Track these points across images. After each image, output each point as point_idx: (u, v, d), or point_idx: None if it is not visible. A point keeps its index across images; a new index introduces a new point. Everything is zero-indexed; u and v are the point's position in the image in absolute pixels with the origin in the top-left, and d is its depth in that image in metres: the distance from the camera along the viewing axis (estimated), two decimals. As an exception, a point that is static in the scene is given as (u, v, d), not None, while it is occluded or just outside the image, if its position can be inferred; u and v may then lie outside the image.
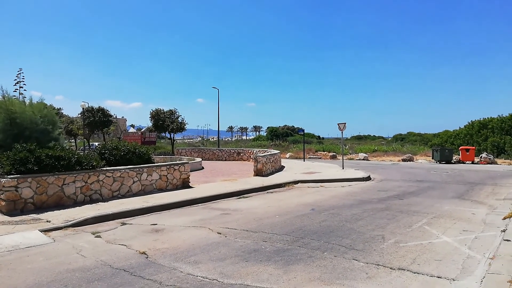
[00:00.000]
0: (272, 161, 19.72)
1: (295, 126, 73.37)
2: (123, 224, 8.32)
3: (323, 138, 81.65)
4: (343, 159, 23.28)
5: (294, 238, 6.99)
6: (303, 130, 34.11)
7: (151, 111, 35.83)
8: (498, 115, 37.39)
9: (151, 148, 19.09)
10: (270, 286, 4.73)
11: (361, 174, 18.16)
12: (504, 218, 8.46)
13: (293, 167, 22.45)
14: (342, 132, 22.31)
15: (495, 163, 28.41)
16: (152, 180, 12.28)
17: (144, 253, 6.13)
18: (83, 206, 9.72)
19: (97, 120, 37.29)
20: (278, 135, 67.90)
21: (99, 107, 38.56)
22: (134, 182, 11.71)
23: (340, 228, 7.72)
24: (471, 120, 39.40)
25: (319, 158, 35.01)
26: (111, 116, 40.03)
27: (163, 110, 35.80)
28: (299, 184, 15.22)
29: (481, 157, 29.05)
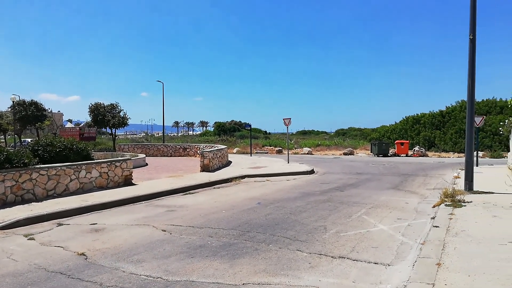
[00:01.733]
0: (219, 156, 19.65)
1: (242, 122, 73.72)
2: (60, 224, 7.84)
3: (269, 133, 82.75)
4: (288, 153, 23.81)
5: (240, 232, 7.04)
6: (250, 125, 34.48)
7: (90, 105, 33.97)
8: (430, 111, 40.34)
9: (90, 144, 18.14)
10: (216, 281, 4.73)
11: (305, 167, 18.70)
12: (434, 206, 9.18)
13: (240, 162, 22.56)
14: (287, 127, 22.79)
15: (427, 155, 30.72)
16: (91, 177, 11.69)
17: (83, 254, 5.84)
18: (14, 207, 9.00)
19: (30, 114, 34.62)
20: (225, 130, 67.66)
21: (32, 100, 35.85)
22: (71, 180, 11.07)
23: (285, 221, 7.90)
24: (406, 116, 42.09)
25: (265, 153, 35.51)
26: (45, 110, 37.36)
27: (103, 104, 34.08)
28: (246, 179, 15.33)
29: (414, 150, 31.25)
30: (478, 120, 18.78)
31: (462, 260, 5.07)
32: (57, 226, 7.74)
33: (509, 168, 16.90)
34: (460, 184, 11.72)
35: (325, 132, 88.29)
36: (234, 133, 64.14)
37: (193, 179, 14.27)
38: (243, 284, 4.63)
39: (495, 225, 6.85)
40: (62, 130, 47.04)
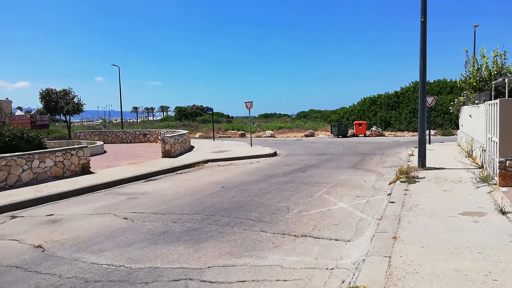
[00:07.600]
0: (181, 141, 19.36)
1: (204, 106, 72.62)
2: (13, 217, 7.46)
3: (232, 117, 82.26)
4: (251, 137, 23.89)
5: (204, 216, 7.03)
6: (212, 110, 34.08)
7: (41, 91, 32.20)
8: (386, 92, 41.71)
9: (43, 132, 17.29)
10: (181, 266, 4.72)
11: (268, 150, 18.87)
12: (390, 183, 9.61)
13: (203, 147, 22.37)
14: (249, 111, 22.76)
15: (383, 135, 31.96)
16: (45, 167, 11.16)
17: (40, 246, 5.61)
18: (-40, 202, 8.44)
19: (-27, 102, 32.31)
20: (187, 115, 66.45)
21: (-25, 87, 33.46)
22: (24, 170, 10.52)
23: (249, 203, 7.98)
24: (364, 97, 43.27)
25: (228, 137, 35.41)
26: (-9, 97, 35.01)
27: (55, 90, 32.40)
28: (209, 163, 15.25)
29: (371, 130, 32.39)
30: (430, 100, 19.68)
31: (416, 233, 5.37)
32: (11, 218, 7.36)
33: (458, 145, 17.97)
34: (414, 161, 12.31)
35: (287, 115, 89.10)
36: (196, 117, 63.16)
37: (155, 165, 14.01)
38: (208, 267, 4.65)
39: (446, 199, 7.29)
40: (12, 118, 44.17)
